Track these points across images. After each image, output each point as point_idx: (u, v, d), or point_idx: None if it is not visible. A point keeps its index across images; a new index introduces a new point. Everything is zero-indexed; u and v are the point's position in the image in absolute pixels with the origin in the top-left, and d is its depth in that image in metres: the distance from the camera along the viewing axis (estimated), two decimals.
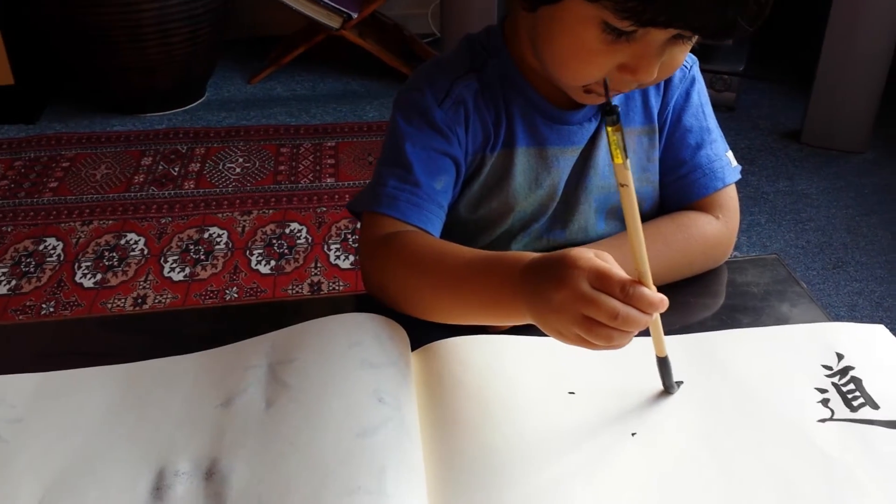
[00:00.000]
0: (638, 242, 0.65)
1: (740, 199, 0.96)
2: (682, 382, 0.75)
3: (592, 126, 0.91)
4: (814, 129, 2.78)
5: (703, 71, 0.97)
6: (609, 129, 0.61)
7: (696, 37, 0.74)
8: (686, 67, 0.94)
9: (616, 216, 0.95)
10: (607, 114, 0.60)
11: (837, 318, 1.96)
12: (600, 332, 0.64)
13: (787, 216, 2.41)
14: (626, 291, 0.63)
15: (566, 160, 0.91)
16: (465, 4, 2.73)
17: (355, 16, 3.02)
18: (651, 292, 0.64)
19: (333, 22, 3.01)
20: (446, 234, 0.88)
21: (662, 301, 0.65)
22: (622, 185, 0.64)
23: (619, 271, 0.65)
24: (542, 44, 0.80)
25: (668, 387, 0.74)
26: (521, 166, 0.90)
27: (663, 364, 0.73)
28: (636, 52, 0.74)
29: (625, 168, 0.63)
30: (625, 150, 0.62)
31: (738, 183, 0.96)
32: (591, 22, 0.72)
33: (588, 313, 0.64)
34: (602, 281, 0.64)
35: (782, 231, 2.34)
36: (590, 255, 0.66)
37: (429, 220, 0.85)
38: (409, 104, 0.89)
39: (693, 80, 0.95)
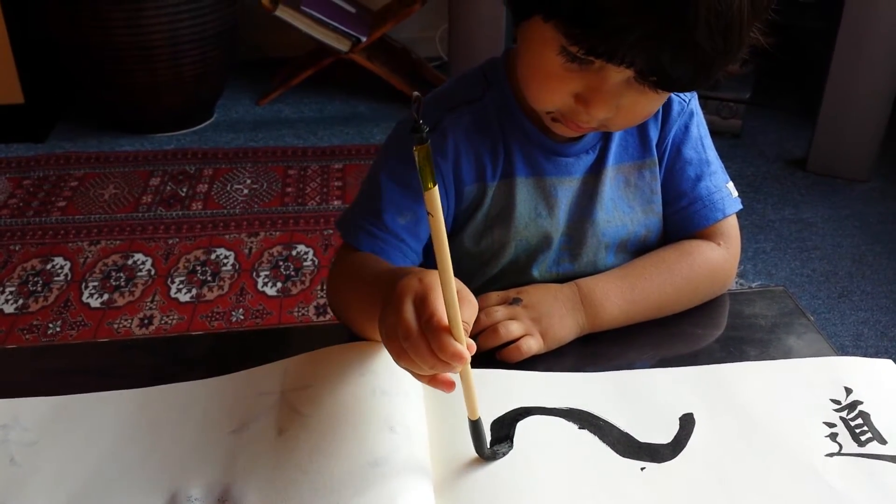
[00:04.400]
0: (448, 288, 0.60)
1: (745, 227, 0.97)
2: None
3: (590, 158, 0.93)
4: (819, 157, 2.78)
5: (709, 98, 0.98)
6: (415, 148, 0.54)
7: (659, 89, 0.75)
8: (685, 101, 0.95)
9: (626, 250, 0.96)
10: (415, 131, 0.53)
11: (842, 347, 1.98)
12: (394, 345, 0.63)
13: (792, 244, 2.42)
14: (428, 325, 0.61)
15: (564, 189, 0.93)
16: (473, 28, 2.75)
17: (364, 39, 3.04)
18: (448, 339, 0.59)
19: (342, 45, 3.03)
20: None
21: (455, 354, 0.59)
22: (429, 214, 0.58)
23: (438, 306, 0.61)
24: (517, 64, 0.83)
25: (481, 453, 0.69)
26: (522, 196, 0.92)
27: (474, 427, 0.68)
28: (591, 84, 0.76)
29: (433, 195, 0.56)
30: (433, 174, 0.56)
31: (743, 211, 0.97)
32: (552, 43, 0.74)
33: (394, 324, 0.63)
34: (421, 305, 0.63)
35: (787, 259, 2.35)
36: (435, 280, 0.63)
37: (382, 251, 0.87)
38: (398, 132, 0.92)
39: (692, 114, 0.96)
